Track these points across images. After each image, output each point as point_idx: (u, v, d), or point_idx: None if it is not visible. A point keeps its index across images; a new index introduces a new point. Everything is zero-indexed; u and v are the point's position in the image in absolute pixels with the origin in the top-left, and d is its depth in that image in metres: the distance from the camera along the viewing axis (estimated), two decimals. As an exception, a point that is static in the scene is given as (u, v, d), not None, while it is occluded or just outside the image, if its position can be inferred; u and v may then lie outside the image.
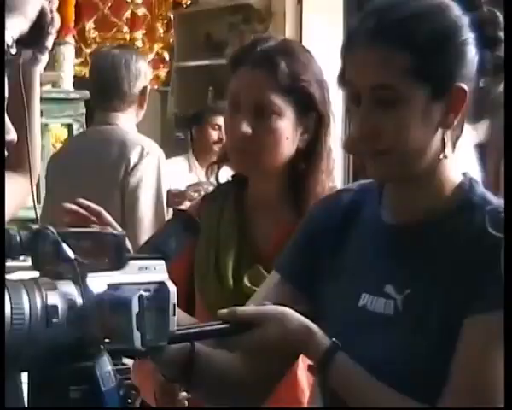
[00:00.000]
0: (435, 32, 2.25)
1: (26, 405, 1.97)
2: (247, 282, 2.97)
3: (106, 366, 1.88)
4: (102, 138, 5.55)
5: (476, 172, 2.43)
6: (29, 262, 1.92)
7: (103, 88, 5.58)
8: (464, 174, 2.39)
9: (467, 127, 2.37)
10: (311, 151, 2.98)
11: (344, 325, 2.29)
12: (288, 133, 2.93)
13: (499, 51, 2.31)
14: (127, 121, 5.60)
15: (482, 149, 3.09)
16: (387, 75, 2.23)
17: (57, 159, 5.85)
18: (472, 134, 2.44)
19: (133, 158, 5.35)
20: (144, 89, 5.63)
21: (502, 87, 2.33)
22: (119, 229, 2.85)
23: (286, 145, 2.93)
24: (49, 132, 6.16)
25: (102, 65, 5.63)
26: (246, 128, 2.89)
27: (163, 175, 5.47)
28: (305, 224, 2.56)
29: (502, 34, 2.31)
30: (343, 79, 2.33)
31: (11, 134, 2.44)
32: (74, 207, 2.89)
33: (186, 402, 3.01)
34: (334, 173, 3.08)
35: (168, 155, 5.97)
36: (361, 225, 2.43)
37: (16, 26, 2.23)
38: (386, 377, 2.23)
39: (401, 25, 2.24)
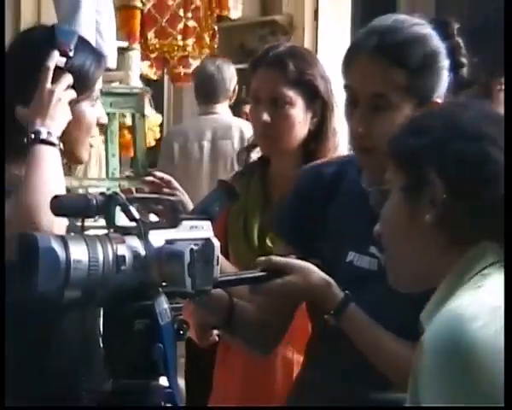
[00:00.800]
0: (425, 56, 2.25)
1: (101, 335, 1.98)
2: (268, 242, 2.97)
3: (163, 304, 1.88)
4: (222, 123, 5.93)
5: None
6: (103, 222, 1.93)
7: (211, 86, 5.98)
8: None
9: None
10: (319, 132, 2.98)
11: (334, 278, 2.27)
12: (299, 118, 2.94)
13: (462, 73, 2.32)
14: (224, 110, 6.04)
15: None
16: (384, 86, 2.22)
17: (177, 139, 6.06)
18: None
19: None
20: (235, 87, 6.09)
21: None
22: (185, 194, 2.85)
23: (299, 128, 2.94)
24: (117, 121, 6.17)
25: (211, 70, 6.04)
26: (266, 117, 2.90)
27: None
28: (293, 193, 2.53)
29: (465, 60, 2.33)
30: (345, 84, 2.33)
31: (104, 119, 2.50)
32: (151, 178, 2.90)
33: (217, 338, 3.04)
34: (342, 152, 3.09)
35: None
36: (344, 192, 2.40)
37: (57, 132, 2.32)
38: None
39: (400, 46, 2.23)
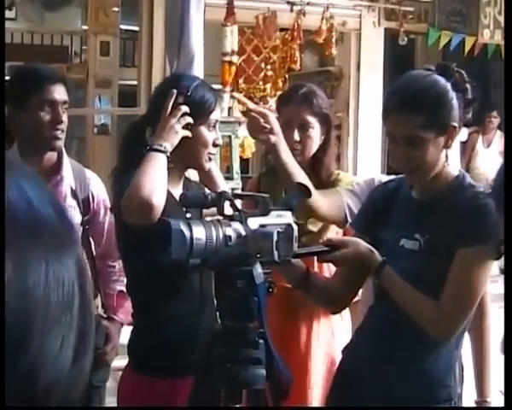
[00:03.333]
0: (436, 98, 2.21)
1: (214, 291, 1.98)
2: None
3: (258, 269, 1.87)
4: None
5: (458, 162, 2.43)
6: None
7: None
8: (460, 170, 2.36)
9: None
10: (325, 145, 2.98)
11: (391, 255, 2.26)
12: (316, 138, 2.94)
13: (467, 95, 2.27)
14: None
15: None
16: (411, 129, 2.18)
17: None
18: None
19: None
20: None
21: (470, 114, 2.30)
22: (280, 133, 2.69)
23: (315, 144, 2.94)
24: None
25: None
26: (297, 137, 2.90)
27: None
28: (367, 199, 2.52)
29: (467, 85, 2.27)
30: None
31: (219, 141, 2.46)
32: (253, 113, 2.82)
33: None
34: (373, 165, 3.04)
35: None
36: (400, 199, 2.39)
37: (169, 148, 2.32)
38: (413, 282, 2.21)
39: (416, 97, 2.20)
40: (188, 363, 2.29)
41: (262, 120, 2.46)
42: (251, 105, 2.54)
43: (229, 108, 6.60)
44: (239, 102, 2.75)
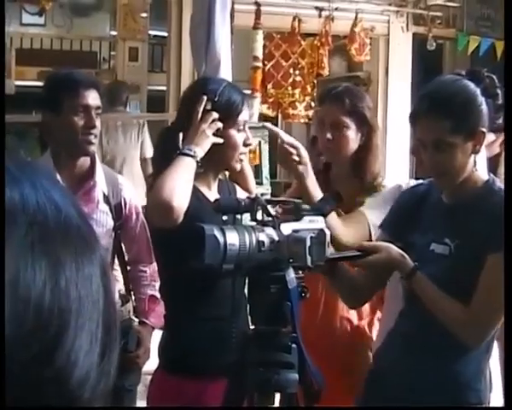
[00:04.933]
0: (465, 104, 2.21)
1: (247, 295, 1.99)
2: None
3: (291, 274, 1.89)
4: None
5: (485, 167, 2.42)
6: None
7: None
8: (490, 175, 2.36)
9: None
10: (366, 147, 2.90)
11: (421, 260, 2.26)
12: (351, 137, 2.87)
13: (497, 100, 2.27)
14: None
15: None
16: (440, 133, 2.19)
17: None
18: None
19: None
20: None
21: (501, 119, 2.30)
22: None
23: (351, 144, 2.86)
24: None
25: None
26: (329, 136, 2.85)
27: None
28: (396, 203, 2.52)
29: (498, 90, 2.27)
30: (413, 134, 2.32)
31: (250, 141, 2.48)
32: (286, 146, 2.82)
33: None
34: (402, 170, 3.03)
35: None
36: (429, 203, 2.39)
37: (200, 153, 2.35)
38: (443, 287, 2.21)
39: (445, 102, 2.21)
40: (219, 366, 2.30)
41: (294, 152, 2.47)
42: (284, 136, 2.53)
43: (260, 114, 6.63)
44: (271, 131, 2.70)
